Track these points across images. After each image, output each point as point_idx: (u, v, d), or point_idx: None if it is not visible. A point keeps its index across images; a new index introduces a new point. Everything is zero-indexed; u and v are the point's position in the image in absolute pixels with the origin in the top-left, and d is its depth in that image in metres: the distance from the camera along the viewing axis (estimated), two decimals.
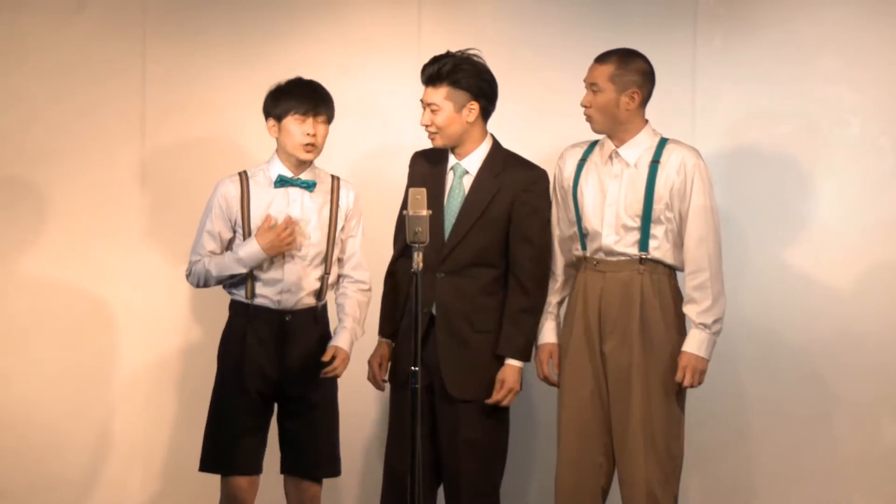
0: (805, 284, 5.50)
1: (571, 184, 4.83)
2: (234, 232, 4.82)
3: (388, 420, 4.94)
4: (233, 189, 4.82)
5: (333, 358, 4.77)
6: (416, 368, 4.37)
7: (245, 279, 4.79)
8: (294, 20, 5.73)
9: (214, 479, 4.84)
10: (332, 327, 4.90)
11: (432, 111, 4.79)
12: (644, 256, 4.74)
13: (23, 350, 5.74)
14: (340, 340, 4.81)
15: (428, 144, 4.90)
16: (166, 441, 5.73)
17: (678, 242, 4.76)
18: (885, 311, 5.46)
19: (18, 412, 5.74)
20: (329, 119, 4.82)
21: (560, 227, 4.89)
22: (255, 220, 4.78)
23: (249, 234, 4.78)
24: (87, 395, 5.75)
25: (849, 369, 5.48)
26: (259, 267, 4.77)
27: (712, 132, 5.53)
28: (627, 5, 5.59)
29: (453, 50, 4.84)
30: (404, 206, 4.80)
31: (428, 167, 4.90)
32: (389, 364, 4.94)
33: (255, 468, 4.82)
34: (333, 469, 4.85)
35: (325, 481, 4.87)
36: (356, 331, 4.86)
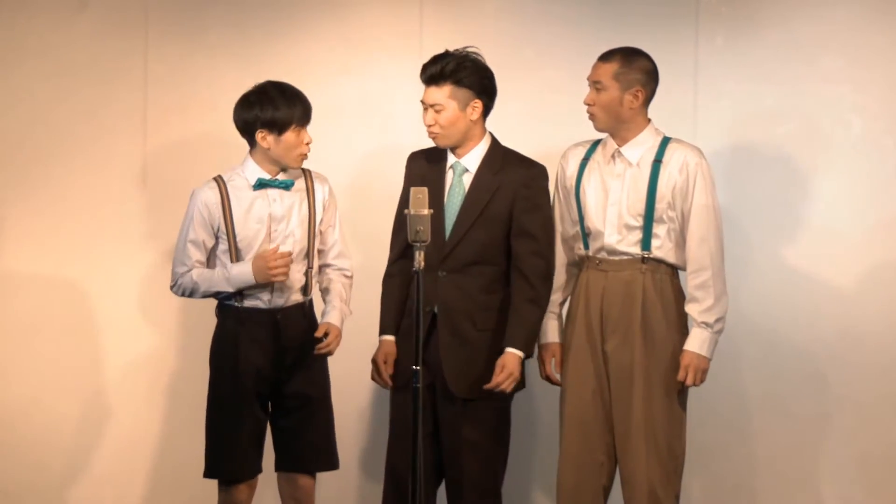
0: (807, 284, 5.50)
1: (574, 183, 4.83)
2: (217, 238, 4.81)
3: (388, 419, 4.94)
4: (212, 195, 4.81)
5: (326, 335, 4.77)
6: (418, 368, 4.37)
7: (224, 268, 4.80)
8: (295, 20, 5.73)
9: (213, 480, 4.84)
10: (318, 318, 4.91)
11: (436, 111, 4.79)
12: (646, 256, 4.74)
13: (23, 349, 5.75)
14: (331, 318, 4.82)
15: (427, 144, 4.89)
16: (165, 441, 5.73)
17: (680, 242, 4.76)
18: (887, 311, 5.46)
19: (18, 411, 5.74)
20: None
21: (563, 225, 4.89)
22: (238, 223, 4.78)
23: (234, 238, 4.77)
24: (86, 395, 5.75)
25: (851, 369, 5.48)
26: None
27: (714, 131, 5.52)
28: (629, 4, 5.58)
29: (454, 49, 4.84)
30: (402, 206, 4.83)
31: (426, 166, 4.89)
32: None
33: (255, 471, 4.83)
34: (331, 462, 4.86)
35: (327, 479, 4.87)
36: (345, 309, 4.87)
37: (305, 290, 4.85)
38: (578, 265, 4.89)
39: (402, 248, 4.88)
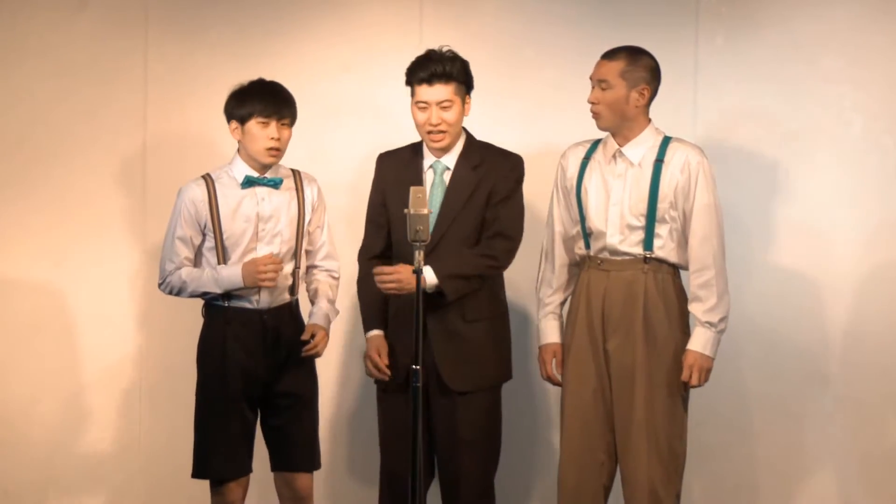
0: (807, 284, 5.50)
1: (575, 183, 4.83)
2: (204, 235, 4.81)
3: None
4: (199, 193, 4.81)
5: (313, 336, 4.76)
6: (418, 367, 4.38)
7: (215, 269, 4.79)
8: (295, 18, 5.73)
9: (205, 480, 4.85)
10: (334, 327, 4.90)
11: (443, 108, 4.78)
12: (648, 256, 4.74)
13: (22, 349, 5.75)
14: (318, 319, 4.83)
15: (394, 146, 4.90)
16: (163, 441, 5.72)
17: (682, 241, 4.76)
18: (888, 311, 5.46)
19: (18, 411, 5.74)
20: (292, 122, 4.82)
21: (562, 226, 4.89)
22: (225, 221, 4.77)
23: (221, 236, 4.77)
24: (86, 395, 5.75)
25: (852, 369, 5.48)
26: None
27: (714, 131, 5.52)
28: (629, 4, 5.58)
29: (455, 49, 4.84)
30: (374, 208, 4.87)
31: (400, 167, 4.90)
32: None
33: (245, 470, 4.82)
34: (316, 462, 4.86)
35: (317, 480, 4.87)
36: (331, 311, 4.87)
37: (293, 290, 4.85)
38: (578, 265, 4.89)
39: (375, 249, 4.90)
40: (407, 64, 4.97)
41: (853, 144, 5.49)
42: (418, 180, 4.84)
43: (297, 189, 4.84)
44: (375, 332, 4.87)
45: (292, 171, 4.88)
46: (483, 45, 5.60)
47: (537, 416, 5.58)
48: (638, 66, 4.72)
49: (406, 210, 4.35)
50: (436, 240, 4.79)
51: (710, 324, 4.70)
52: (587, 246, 4.81)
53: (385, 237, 4.91)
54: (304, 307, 4.96)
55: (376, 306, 4.87)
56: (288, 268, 4.82)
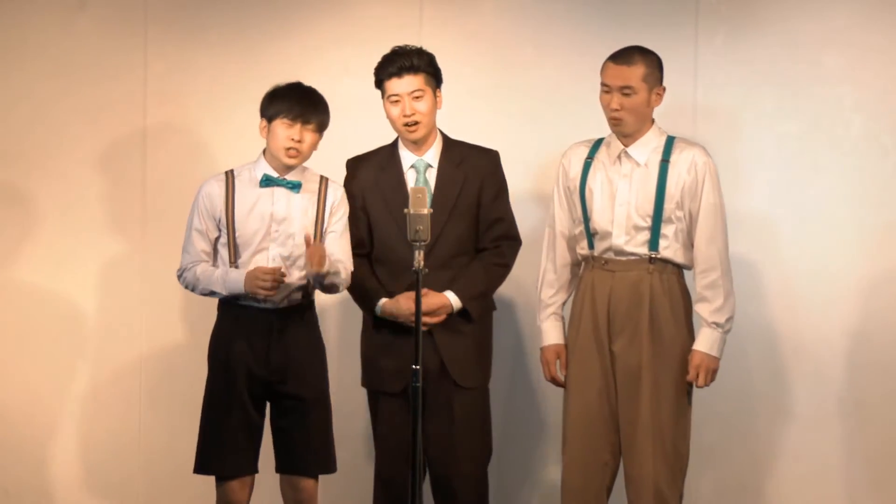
0: (809, 283, 5.50)
1: (578, 183, 4.81)
2: (220, 231, 4.81)
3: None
4: (217, 188, 4.81)
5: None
6: (418, 367, 4.38)
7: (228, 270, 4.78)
8: (295, 18, 5.73)
9: (213, 479, 4.83)
10: (321, 329, 4.89)
11: (415, 97, 4.81)
12: (654, 256, 4.73)
13: (23, 349, 5.75)
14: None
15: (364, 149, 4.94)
16: (163, 441, 5.72)
17: (687, 242, 4.75)
18: (890, 310, 5.45)
19: (18, 411, 5.74)
20: (319, 127, 4.80)
21: (563, 225, 4.88)
22: (239, 218, 4.77)
23: (234, 233, 4.77)
24: (85, 395, 5.75)
25: (854, 368, 5.48)
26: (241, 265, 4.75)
27: (714, 131, 5.52)
28: (630, 3, 5.58)
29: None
30: (351, 214, 4.86)
31: (377, 170, 4.92)
32: (366, 370, 4.97)
33: (246, 469, 4.80)
34: (327, 465, 4.84)
35: (325, 480, 4.86)
36: (336, 265, 4.75)
37: (305, 293, 4.83)
38: (578, 265, 4.89)
39: (368, 251, 4.92)
40: None
41: (853, 144, 5.49)
42: (400, 180, 4.85)
43: (319, 194, 4.83)
44: (385, 299, 4.85)
45: (321, 177, 4.87)
46: (483, 45, 5.60)
47: (537, 416, 5.58)
48: (654, 68, 4.72)
49: (406, 210, 4.35)
50: (432, 240, 4.79)
51: (717, 324, 4.70)
52: (591, 246, 4.80)
53: (364, 236, 4.92)
54: (322, 312, 4.94)
55: (374, 281, 4.88)
56: (301, 273, 4.79)
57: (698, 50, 5.56)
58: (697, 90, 5.55)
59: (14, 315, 5.75)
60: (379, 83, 4.89)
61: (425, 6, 5.68)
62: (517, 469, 5.60)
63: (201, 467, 4.80)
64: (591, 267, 4.80)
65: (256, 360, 4.76)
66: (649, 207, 4.72)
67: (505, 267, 4.92)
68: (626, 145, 4.76)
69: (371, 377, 4.95)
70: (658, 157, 4.74)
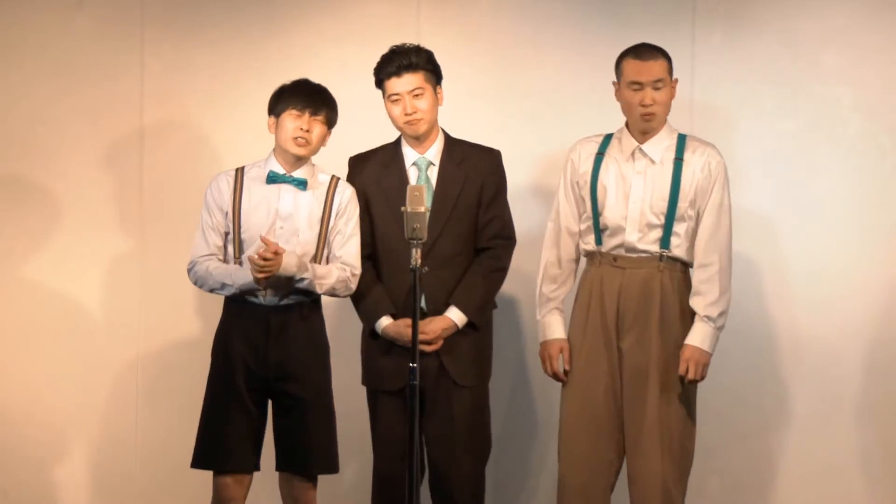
0: (807, 282, 5.50)
1: (590, 178, 4.79)
2: (228, 227, 4.81)
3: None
4: (225, 183, 4.82)
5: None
6: (415, 365, 4.38)
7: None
8: (293, 16, 5.73)
9: (211, 476, 4.83)
10: (326, 328, 4.88)
11: (415, 95, 4.82)
12: (665, 254, 4.72)
13: (22, 348, 5.74)
14: (294, 255, 4.71)
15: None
16: (161, 439, 5.72)
17: (694, 240, 4.75)
18: (887, 308, 5.45)
19: (18, 410, 5.74)
20: (328, 121, 4.80)
21: (568, 220, 4.85)
22: (245, 214, 4.77)
23: (239, 229, 4.77)
24: (84, 394, 5.75)
25: (853, 368, 5.48)
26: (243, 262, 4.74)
27: (711, 129, 5.51)
28: (627, 2, 5.58)
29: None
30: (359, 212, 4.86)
31: (379, 167, 4.93)
32: (365, 368, 4.97)
33: (243, 467, 4.78)
34: (329, 466, 4.82)
35: (321, 479, 4.85)
36: (313, 271, 4.72)
37: (307, 291, 4.82)
38: (577, 261, 4.87)
39: (370, 252, 4.91)
40: None
41: (851, 144, 5.49)
42: (403, 178, 4.86)
43: (327, 194, 4.83)
44: (388, 320, 4.86)
45: (332, 176, 4.87)
46: (479, 43, 5.60)
47: (538, 414, 5.57)
48: (670, 62, 4.75)
49: (403, 208, 4.35)
50: (433, 239, 4.80)
51: (710, 318, 4.69)
52: (598, 242, 4.79)
53: (367, 235, 4.91)
54: (327, 312, 4.93)
55: (380, 294, 4.88)
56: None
57: (695, 48, 5.56)
58: (695, 88, 5.54)
59: (11, 314, 5.75)
60: (379, 83, 4.90)
61: (423, 5, 5.68)
62: (517, 466, 5.60)
63: (198, 461, 4.79)
64: (597, 263, 4.79)
65: (254, 357, 4.75)
66: (663, 205, 4.71)
67: (502, 271, 4.93)
68: (640, 142, 4.75)
69: (370, 376, 4.95)
70: (672, 154, 4.74)
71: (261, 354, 4.75)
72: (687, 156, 4.73)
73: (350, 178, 4.96)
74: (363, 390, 5.01)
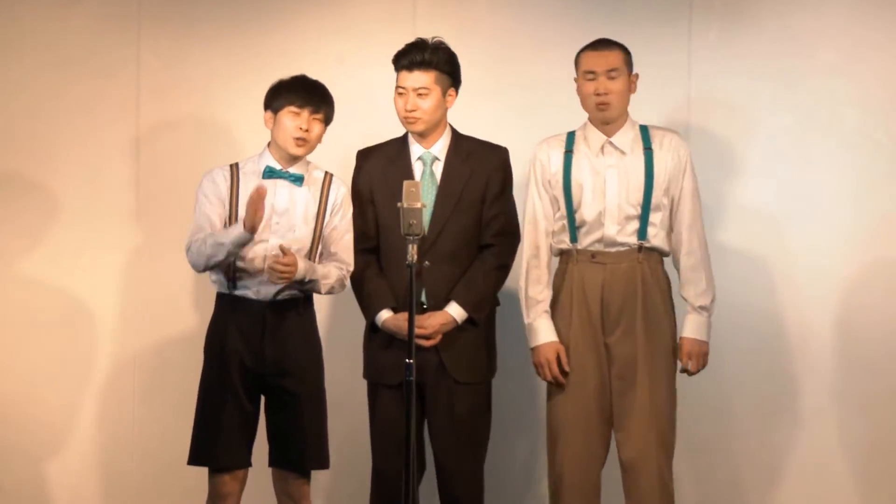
0: (802, 277, 5.50)
1: (561, 177, 4.81)
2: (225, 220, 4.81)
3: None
4: (221, 178, 4.80)
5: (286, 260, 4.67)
6: (412, 361, 4.38)
7: (227, 269, 4.76)
8: (289, 11, 5.72)
9: (206, 472, 4.83)
10: (329, 325, 4.88)
11: (419, 94, 4.82)
12: (643, 245, 4.74)
13: (17, 344, 5.74)
14: (305, 261, 4.73)
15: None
16: (157, 436, 5.72)
17: (669, 228, 4.78)
18: (883, 304, 5.46)
19: (13, 406, 5.74)
20: (326, 119, 4.80)
21: (545, 220, 4.86)
22: (242, 209, 4.77)
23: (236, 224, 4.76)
24: (80, 390, 5.75)
25: (846, 363, 5.48)
26: (240, 256, 4.72)
27: (708, 125, 5.52)
28: None
29: (450, 43, 4.86)
30: (357, 205, 4.86)
31: (385, 162, 4.92)
32: (367, 362, 4.97)
33: (238, 462, 4.78)
34: (320, 461, 4.82)
35: (317, 476, 4.86)
36: (319, 272, 4.75)
37: (301, 288, 4.80)
38: (551, 260, 4.88)
39: (367, 242, 4.91)
40: None
41: (847, 139, 5.49)
42: (408, 172, 4.86)
43: (322, 190, 4.83)
44: (388, 314, 4.86)
45: (325, 172, 4.87)
46: (476, 38, 5.60)
47: (539, 413, 5.57)
48: (628, 55, 4.78)
49: (399, 204, 4.35)
50: (434, 234, 4.81)
51: (703, 307, 4.74)
52: (573, 240, 4.80)
53: (371, 229, 4.92)
54: (319, 309, 4.93)
55: (382, 288, 4.88)
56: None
57: (692, 44, 5.56)
58: (691, 84, 5.55)
59: (6, 310, 5.74)
60: (395, 70, 4.90)
61: (419, 0, 5.68)
62: (519, 465, 5.61)
63: (195, 459, 4.79)
64: (574, 261, 4.79)
65: (250, 352, 4.75)
66: (639, 196, 4.74)
67: (504, 268, 4.92)
68: (607, 135, 4.76)
69: (371, 369, 4.96)
70: (640, 145, 4.77)
71: (256, 350, 4.74)
72: (655, 145, 4.77)
73: (357, 172, 4.97)
74: (361, 386, 5.01)
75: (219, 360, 4.76)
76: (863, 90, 5.47)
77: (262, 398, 4.83)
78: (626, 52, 4.77)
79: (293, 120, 4.74)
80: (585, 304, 4.76)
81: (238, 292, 4.76)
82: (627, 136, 4.78)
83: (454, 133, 4.95)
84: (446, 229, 4.84)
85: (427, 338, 4.81)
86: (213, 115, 5.73)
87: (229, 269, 4.76)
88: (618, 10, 5.55)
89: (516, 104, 5.59)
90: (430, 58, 4.81)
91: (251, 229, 4.61)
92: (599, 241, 4.76)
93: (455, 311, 4.84)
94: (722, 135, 5.53)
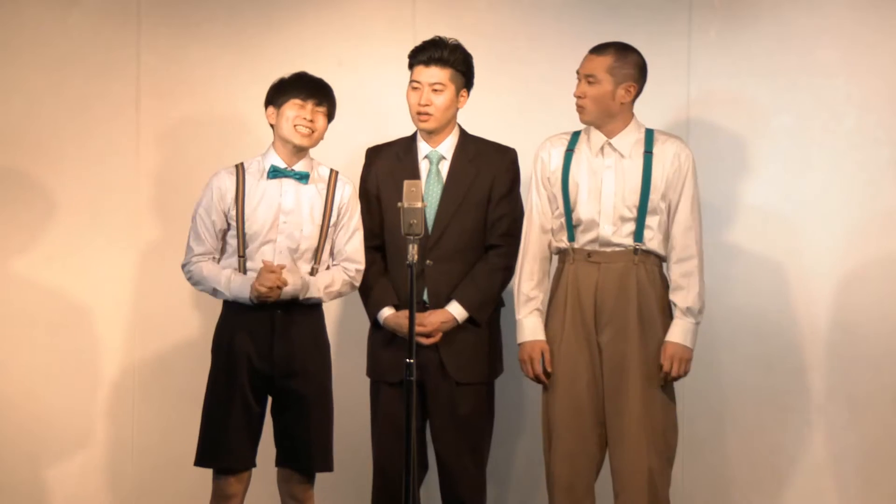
0: (800, 276, 5.50)
1: (560, 175, 4.81)
2: (229, 224, 4.81)
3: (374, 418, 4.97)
4: (227, 181, 4.81)
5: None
6: (412, 361, 4.38)
7: (237, 272, 4.77)
8: (289, 11, 5.72)
9: (207, 473, 4.84)
10: (332, 325, 4.88)
11: (434, 90, 4.85)
12: (638, 247, 4.74)
13: (18, 343, 5.74)
14: (298, 273, 4.75)
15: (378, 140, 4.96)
16: (156, 436, 5.71)
17: (667, 233, 4.77)
18: (880, 303, 5.46)
19: (12, 404, 5.74)
20: (329, 113, 4.81)
21: (543, 218, 4.86)
22: (248, 210, 4.77)
23: (243, 226, 4.76)
24: (80, 389, 5.74)
25: (843, 361, 5.48)
26: (248, 258, 4.75)
27: (707, 124, 5.52)
28: None
29: (449, 38, 4.88)
30: (365, 203, 4.88)
31: (393, 159, 4.94)
32: (370, 360, 4.97)
33: (244, 464, 4.79)
34: (325, 464, 4.83)
35: (319, 477, 4.86)
36: (316, 284, 4.76)
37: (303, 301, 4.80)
38: (550, 259, 4.88)
39: (373, 239, 4.92)
40: (399, 57, 4.99)
41: (846, 137, 5.49)
42: (415, 171, 4.86)
43: (328, 187, 4.83)
44: (390, 311, 4.88)
45: (331, 170, 4.87)
46: (475, 37, 5.57)
47: (536, 414, 5.57)
48: (626, 63, 4.73)
49: (400, 204, 4.35)
50: (438, 233, 4.82)
51: (691, 313, 4.71)
52: (571, 238, 4.80)
53: (376, 227, 4.93)
54: (328, 310, 4.93)
55: (384, 286, 4.89)
56: (307, 266, 4.79)
57: (692, 43, 5.56)
58: (691, 83, 5.55)
59: (5, 310, 5.74)
60: (410, 66, 4.93)
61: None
62: (520, 464, 5.61)
63: (201, 460, 4.79)
64: (571, 260, 4.80)
65: (258, 353, 4.75)
66: (635, 198, 4.73)
67: (508, 270, 4.92)
68: (609, 137, 4.76)
69: (373, 366, 4.97)
70: (641, 148, 4.77)
71: (265, 351, 4.75)
72: (656, 149, 4.76)
73: (365, 169, 4.98)
74: (366, 387, 5.01)
75: (226, 360, 4.77)
76: (863, 89, 5.47)
77: (269, 399, 4.84)
78: (621, 59, 4.72)
79: (297, 110, 4.76)
80: (579, 303, 4.76)
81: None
82: (629, 139, 4.78)
83: (462, 133, 4.96)
84: (450, 228, 4.86)
85: (427, 335, 4.81)
86: (213, 115, 5.73)
87: (238, 270, 4.77)
88: (618, 10, 5.55)
89: (516, 104, 5.59)
90: (447, 55, 4.85)
91: (256, 299, 4.67)
92: (595, 240, 4.77)
93: (456, 309, 4.85)
94: (721, 134, 5.53)
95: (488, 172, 4.89)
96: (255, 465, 4.81)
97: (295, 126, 4.75)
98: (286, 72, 4.88)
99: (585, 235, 4.78)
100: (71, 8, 5.75)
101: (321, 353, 4.83)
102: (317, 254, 4.79)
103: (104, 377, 5.76)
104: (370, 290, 4.91)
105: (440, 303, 4.86)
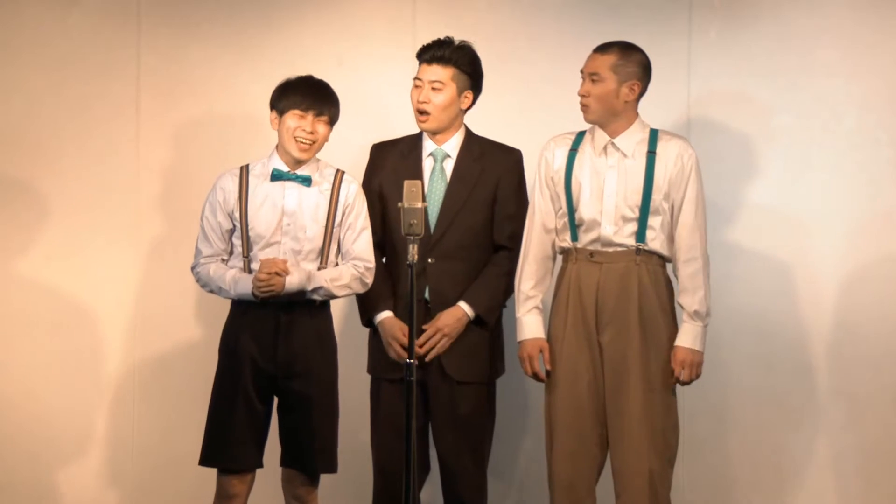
0: (801, 276, 5.50)
1: (564, 175, 4.81)
2: (234, 226, 4.81)
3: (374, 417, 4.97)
4: (231, 184, 4.81)
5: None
6: (412, 361, 4.38)
7: (242, 272, 4.78)
8: (289, 11, 5.72)
9: (210, 473, 4.83)
10: (334, 324, 4.88)
11: (434, 88, 4.85)
12: (641, 247, 4.74)
13: (18, 342, 5.74)
14: (302, 269, 4.74)
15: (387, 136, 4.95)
16: (156, 436, 5.71)
17: (671, 234, 4.77)
18: (881, 303, 5.46)
19: (13, 404, 5.74)
20: (331, 120, 4.80)
21: (546, 217, 4.86)
22: (252, 212, 4.77)
23: (246, 228, 4.77)
24: (81, 388, 5.74)
25: (844, 361, 5.48)
26: (253, 259, 4.76)
27: (707, 124, 5.52)
28: None
29: (457, 39, 4.89)
30: (368, 199, 4.87)
31: (397, 157, 4.94)
32: (370, 357, 4.97)
33: (248, 464, 4.78)
34: (329, 465, 4.82)
35: (322, 477, 4.86)
36: (318, 276, 4.74)
37: (310, 295, 4.80)
38: (554, 258, 4.88)
39: (380, 240, 4.92)
40: (399, 57, 4.99)
41: (846, 137, 5.49)
42: (418, 168, 4.87)
43: (333, 189, 4.82)
44: (388, 314, 4.88)
45: (336, 170, 4.86)
46: (476, 37, 5.56)
47: (538, 413, 5.57)
48: (630, 62, 4.73)
49: (400, 204, 4.35)
50: (441, 231, 4.83)
51: (699, 316, 4.71)
52: (574, 238, 4.80)
53: (377, 224, 4.93)
54: (336, 311, 4.94)
55: (382, 287, 4.88)
56: (312, 267, 4.79)
57: (692, 43, 5.56)
58: (691, 82, 5.55)
59: (5, 311, 5.74)
60: (418, 65, 4.94)
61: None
62: (523, 463, 5.61)
63: (206, 459, 4.79)
64: (574, 259, 4.80)
65: (262, 354, 4.74)
66: (637, 198, 4.73)
67: (511, 275, 4.90)
68: (612, 137, 4.76)
69: (374, 364, 4.97)
70: (644, 148, 4.76)
71: (269, 352, 4.74)
72: (659, 149, 4.76)
73: (370, 166, 4.98)
74: (365, 385, 5.01)
75: (232, 360, 4.77)
76: (862, 89, 5.47)
77: (275, 400, 4.83)
78: (625, 57, 4.73)
79: (297, 122, 4.75)
80: (581, 302, 4.76)
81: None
82: (633, 139, 4.77)
83: (468, 133, 4.96)
84: (453, 226, 4.86)
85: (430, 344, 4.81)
86: (213, 115, 5.73)
87: (243, 271, 4.77)
88: (618, 10, 5.55)
89: (516, 104, 5.59)
90: (450, 54, 4.85)
91: (258, 291, 4.67)
92: (597, 240, 4.76)
93: (465, 306, 4.85)
94: (721, 134, 5.53)
95: (493, 172, 4.89)
96: (261, 466, 4.80)
97: (295, 138, 4.74)
98: (286, 72, 4.87)
99: (588, 235, 4.78)
100: (71, 8, 5.75)
101: (326, 354, 4.82)
102: (322, 254, 4.79)
103: (105, 377, 5.76)
104: (368, 291, 4.90)
105: (442, 301, 4.85)
